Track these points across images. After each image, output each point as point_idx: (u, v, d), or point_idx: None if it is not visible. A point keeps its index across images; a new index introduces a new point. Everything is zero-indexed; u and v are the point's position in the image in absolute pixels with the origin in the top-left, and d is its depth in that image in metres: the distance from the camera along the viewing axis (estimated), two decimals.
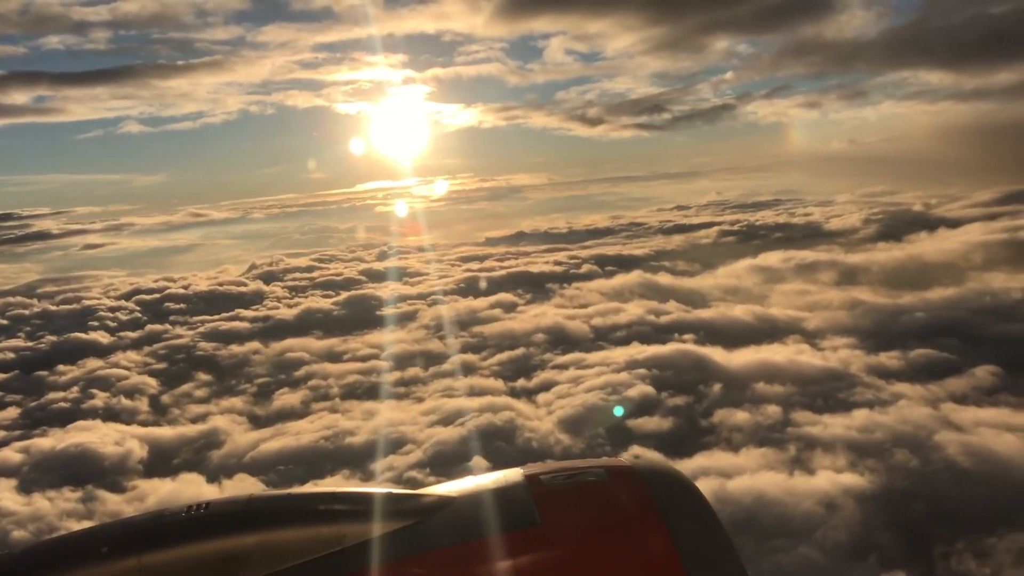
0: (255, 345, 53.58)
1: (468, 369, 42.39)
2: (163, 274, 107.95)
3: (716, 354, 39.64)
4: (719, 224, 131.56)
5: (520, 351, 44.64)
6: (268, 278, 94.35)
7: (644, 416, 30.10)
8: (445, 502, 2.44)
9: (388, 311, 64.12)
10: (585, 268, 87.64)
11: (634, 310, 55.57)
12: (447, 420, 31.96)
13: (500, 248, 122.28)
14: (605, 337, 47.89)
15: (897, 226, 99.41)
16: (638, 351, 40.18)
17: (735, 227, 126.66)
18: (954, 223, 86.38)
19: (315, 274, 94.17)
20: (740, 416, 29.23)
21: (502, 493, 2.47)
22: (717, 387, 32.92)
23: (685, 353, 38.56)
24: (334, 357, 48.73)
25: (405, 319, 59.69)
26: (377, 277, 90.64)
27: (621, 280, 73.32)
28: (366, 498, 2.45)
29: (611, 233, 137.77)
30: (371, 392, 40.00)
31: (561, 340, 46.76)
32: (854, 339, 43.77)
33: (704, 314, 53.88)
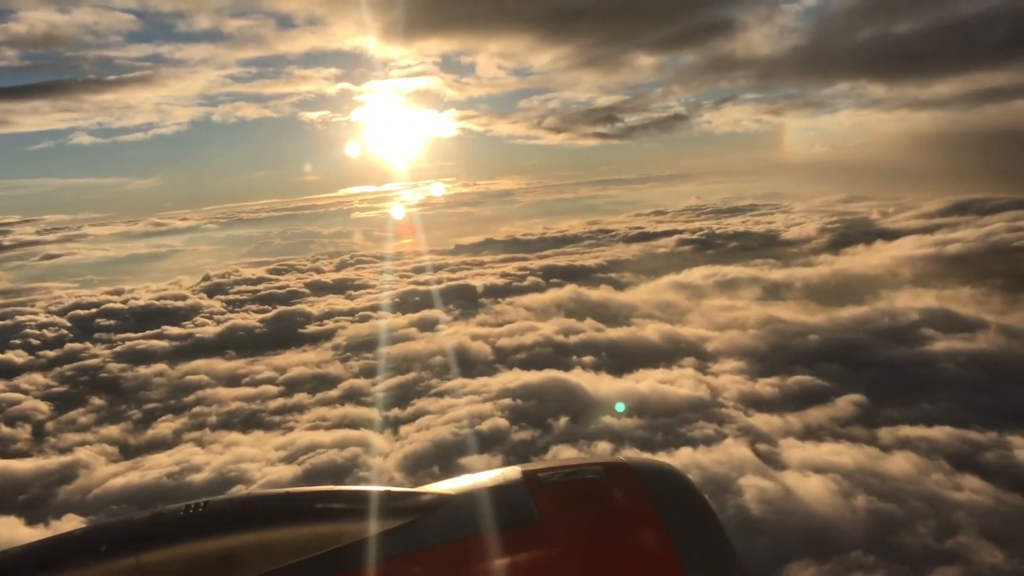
0: (161, 367, 53.28)
1: (354, 395, 42.18)
2: (119, 285, 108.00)
3: (592, 381, 39.56)
4: (681, 232, 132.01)
5: (412, 375, 44.42)
6: (214, 291, 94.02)
7: (478, 454, 29.91)
8: (443, 500, 2.46)
9: (311, 329, 63.83)
10: (529, 280, 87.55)
11: (547, 329, 55.39)
12: (293, 456, 31.75)
13: (461, 257, 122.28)
14: (504, 360, 47.71)
15: (849, 236, 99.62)
16: (514, 378, 40.00)
17: (695, 236, 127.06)
18: (894, 235, 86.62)
19: (260, 287, 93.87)
20: (568, 455, 29.08)
21: (499, 491, 2.49)
22: (564, 420, 32.80)
23: (556, 382, 38.39)
24: (233, 381, 48.47)
25: (322, 338, 59.48)
26: (321, 290, 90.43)
27: (553, 295, 73.23)
28: (363, 496, 2.46)
29: (577, 241, 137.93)
30: (248, 421, 39.76)
31: (459, 363, 46.51)
32: (745, 363, 43.76)
33: (615, 333, 53.72)
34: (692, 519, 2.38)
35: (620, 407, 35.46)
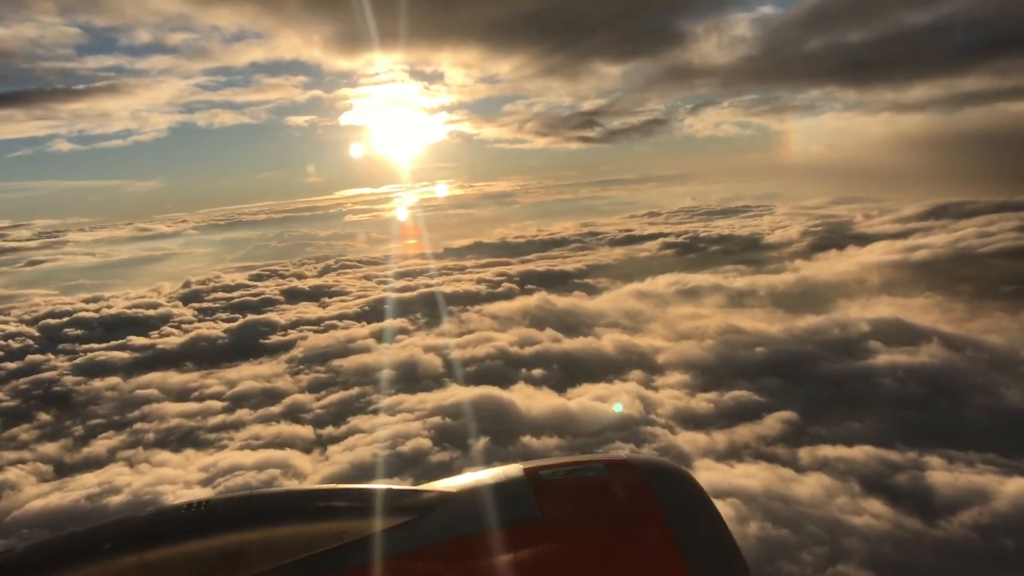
0: (115, 380, 53.22)
1: (294, 412, 42.00)
2: (105, 291, 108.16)
3: (528, 398, 39.39)
4: (667, 236, 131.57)
5: (356, 390, 44.30)
6: (190, 298, 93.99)
7: (389, 477, 29.73)
8: (445, 497, 2.46)
9: (273, 339, 63.72)
10: (504, 287, 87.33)
11: (505, 340, 55.25)
12: (211, 479, 31.56)
13: (445, 262, 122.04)
14: (453, 373, 47.50)
15: (830, 240, 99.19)
16: (450, 394, 39.88)
17: (679, 239, 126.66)
18: (871, 239, 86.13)
19: (236, 294, 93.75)
20: None
21: (502, 488, 2.50)
22: (484, 441, 32.65)
23: (490, 399, 38.19)
24: (183, 395, 48.37)
25: (281, 349, 59.37)
26: (297, 297, 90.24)
27: (521, 302, 73.01)
28: (366, 494, 2.48)
29: (564, 244, 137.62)
30: (184, 439, 39.64)
31: (404, 378, 46.42)
32: (690, 376, 43.54)
33: (571, 344, 53.48)
34: (695, 517, 2.37)
35: (618, 407, 36.71)
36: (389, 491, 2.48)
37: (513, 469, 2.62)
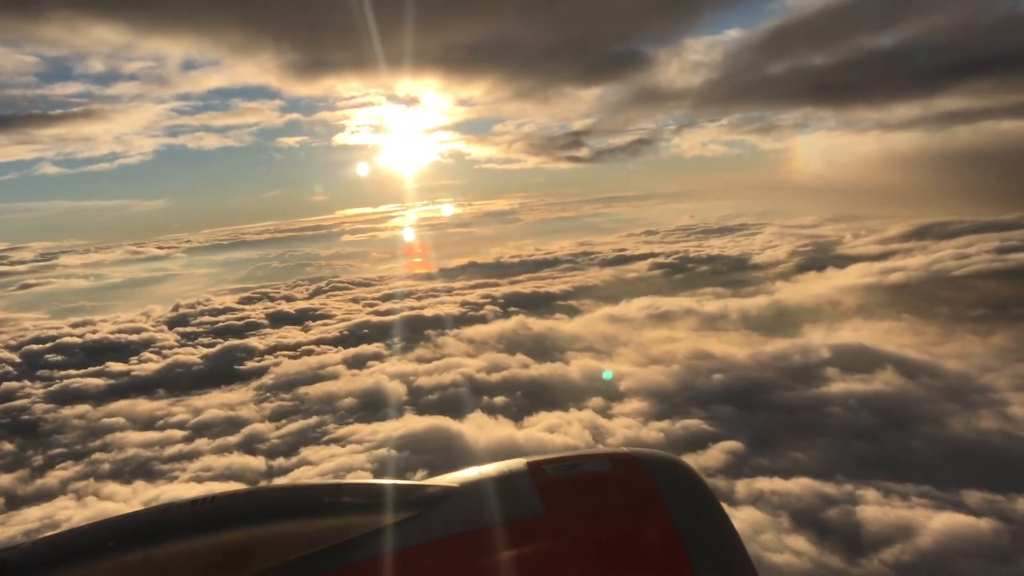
0: (85, 408, 53.47)
1: (251, 442, 42.08)
2: (99, 314, 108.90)
3: (478, 428, 39.40)
4: (657, 256, 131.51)
5: (314, 420, 44.40)
6: (176, 322, 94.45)
7: None
8: (448, 492, 2.48)
9: (249, 365, 63.92)
10: (486, 309, 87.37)
11: (474, 365, 55.34)
12: None
13: (435, 283, 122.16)
14: (416, 401, 47.57)
15: (817, 260, 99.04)
16: (401, 425, 39.95)
17: (669, 259, 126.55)
18: (855, 260, 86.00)
19: (222, 318, 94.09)
20: None
21: (505, 483, 2.50)
22: (422, 475, 32.66)
23: (438, 430, 38.25)
24: (148, 424, 48.56)
25: (253, 376, 59.55)
26: (281, 321, 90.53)
27: (499, 326, 73.03)
28: (371, 490, 2.51)
29: (556, 264, 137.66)
30: (138, 470, 39.77)
31: (365, 406, 46.51)
32: (648, 403, 43.48)
33: (538, 371, 53.49)
34: (699, 512, 2.36)
35: (608, 375, 37.23)
36: (393, 486, 2.50)
37: (516, 464, 2.61)
